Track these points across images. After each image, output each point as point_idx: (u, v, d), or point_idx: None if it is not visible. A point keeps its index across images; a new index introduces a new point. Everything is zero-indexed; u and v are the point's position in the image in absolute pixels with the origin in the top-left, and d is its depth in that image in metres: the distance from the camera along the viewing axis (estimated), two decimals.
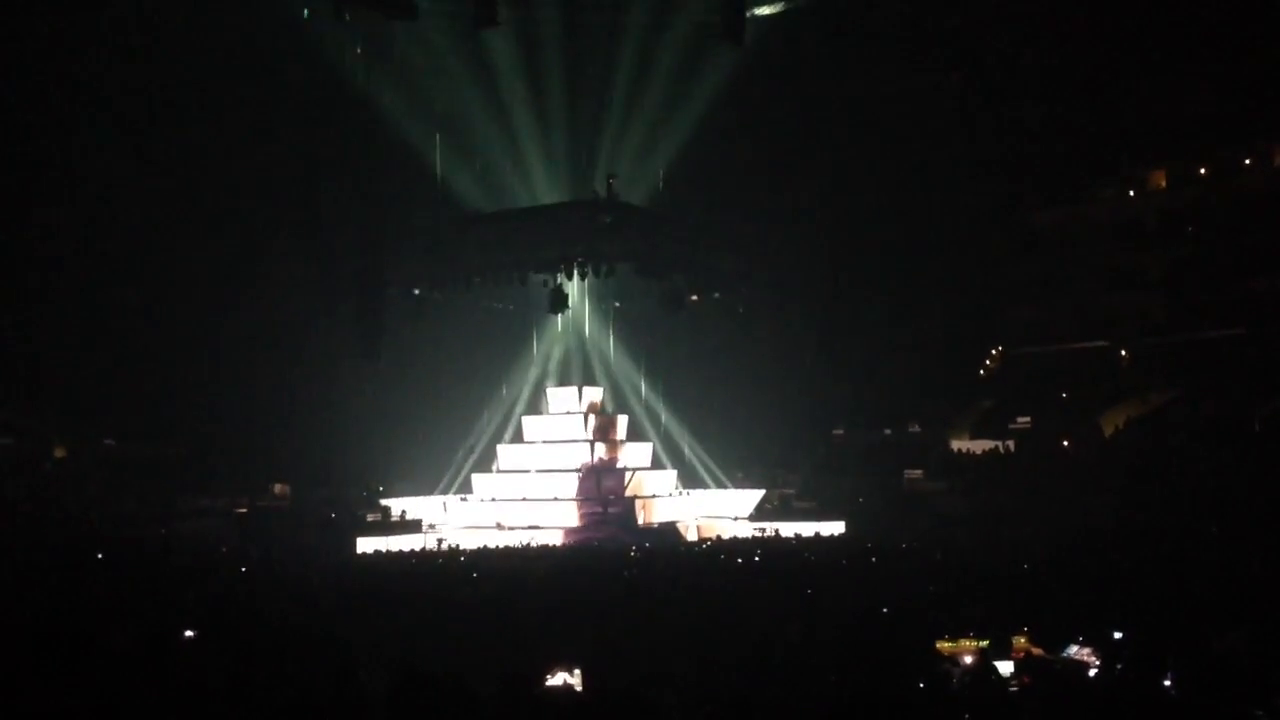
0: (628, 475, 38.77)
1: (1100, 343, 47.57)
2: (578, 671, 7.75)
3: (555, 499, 37.47)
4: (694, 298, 43.55)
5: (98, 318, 41.74)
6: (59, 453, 39.72)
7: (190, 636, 10.50)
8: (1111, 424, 41.35)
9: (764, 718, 6.19)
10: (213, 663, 8.02)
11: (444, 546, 30.04)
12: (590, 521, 35.35)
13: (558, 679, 7.79)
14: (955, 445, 44.29)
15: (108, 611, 13.57)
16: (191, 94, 40.99)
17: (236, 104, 41.68)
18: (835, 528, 33.86)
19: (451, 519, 37.76)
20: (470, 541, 31.17)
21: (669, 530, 35.67)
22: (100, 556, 20.46)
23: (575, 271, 39.03)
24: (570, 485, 38.13)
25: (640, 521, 36.27)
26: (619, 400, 44.47)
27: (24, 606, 13.87)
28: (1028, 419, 43.36)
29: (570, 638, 11.75)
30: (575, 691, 6.61)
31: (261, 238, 43.12)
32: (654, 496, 38.71)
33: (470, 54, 41.65)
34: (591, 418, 41.24)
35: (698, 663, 8.68)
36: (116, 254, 41.85)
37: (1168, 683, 7.92)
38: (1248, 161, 46.17)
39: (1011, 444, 42.00)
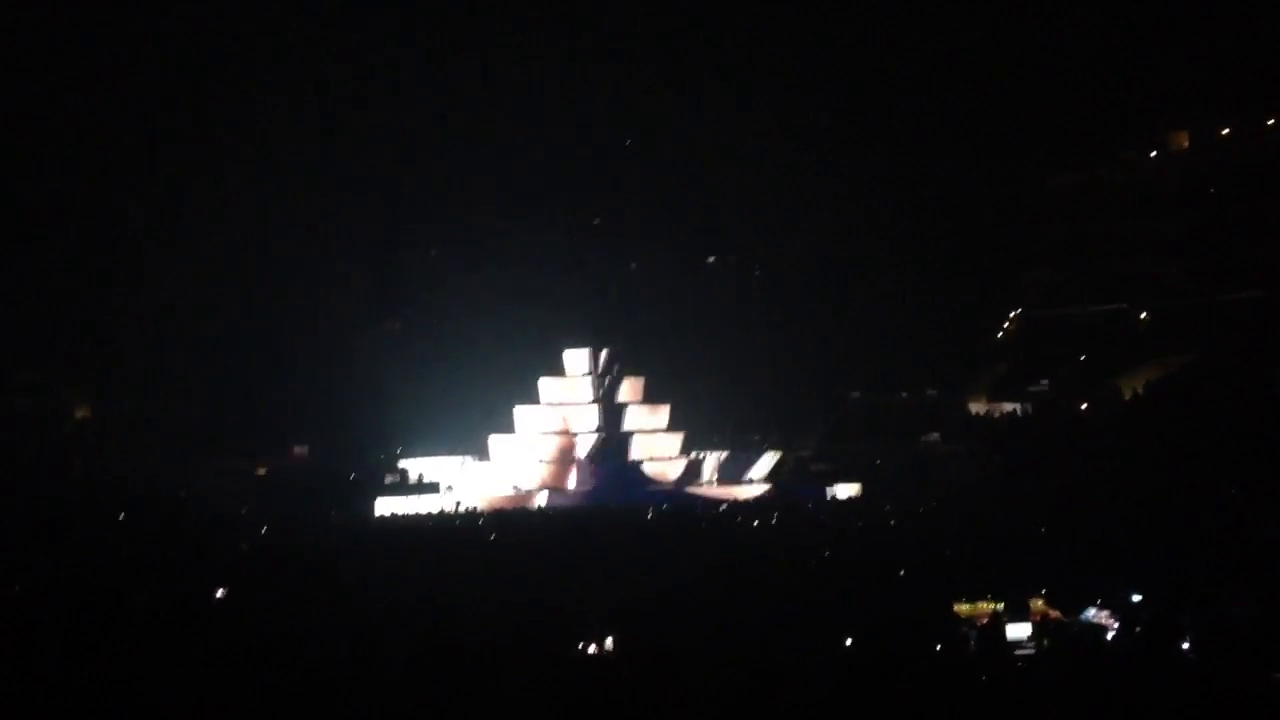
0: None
1: (1119, 306, 47.21)
2: (609, 641, 7.79)
3: (572, 460, 37.53)
4: (711, 260, 43.42)
5: (120, 281, 41.92)
6: (81, 413, 39.99)
7: (219, 596, 10.61)
8: (1130, 387, 41.10)
9: (783, 677, 6.22)
10: (237, 623, 8.11)
11: (462, 508, 30.18)
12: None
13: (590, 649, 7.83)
14: (973, 408, 44.11)
15: (132, 571, 13.70)
16: (209, 65, 40.97)
17: (252, 70, 41.61)
18: (851, 490, 33.85)
19: (469, 479, 37.87)
20: (487, 502, 31.33)
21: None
22: (123, 516, 20.63)
23: (593, 235, 38.91)
24: (585, 446, 38.19)
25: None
26: (637, 362, 44.37)
27: (49, 565, 14.01)
28: (1045, 382, 43.13)
29: (591, 599, 11.82)
30: (603, 652, 6.66)
31: (280, 202, 43.12)
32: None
33: (490, 11, 41.39)
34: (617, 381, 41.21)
35: (718, 623, 8.72)
36: (138, 219, 41.98)
37: (1186, 646, 7.93)
38: (1271, 122, 45.55)
39: (1029, 407, 41.82)
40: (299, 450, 39.12)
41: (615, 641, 7.73)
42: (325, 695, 6.10)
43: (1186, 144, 48.49)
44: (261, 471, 36.45)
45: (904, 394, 45.75)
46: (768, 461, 39.34)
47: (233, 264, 43.60)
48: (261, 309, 43.51)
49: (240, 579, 13.15)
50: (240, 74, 41.60)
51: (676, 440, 40.72)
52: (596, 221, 38.59)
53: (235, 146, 42.37)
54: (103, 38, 39.75)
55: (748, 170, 44.88)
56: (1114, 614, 9.85)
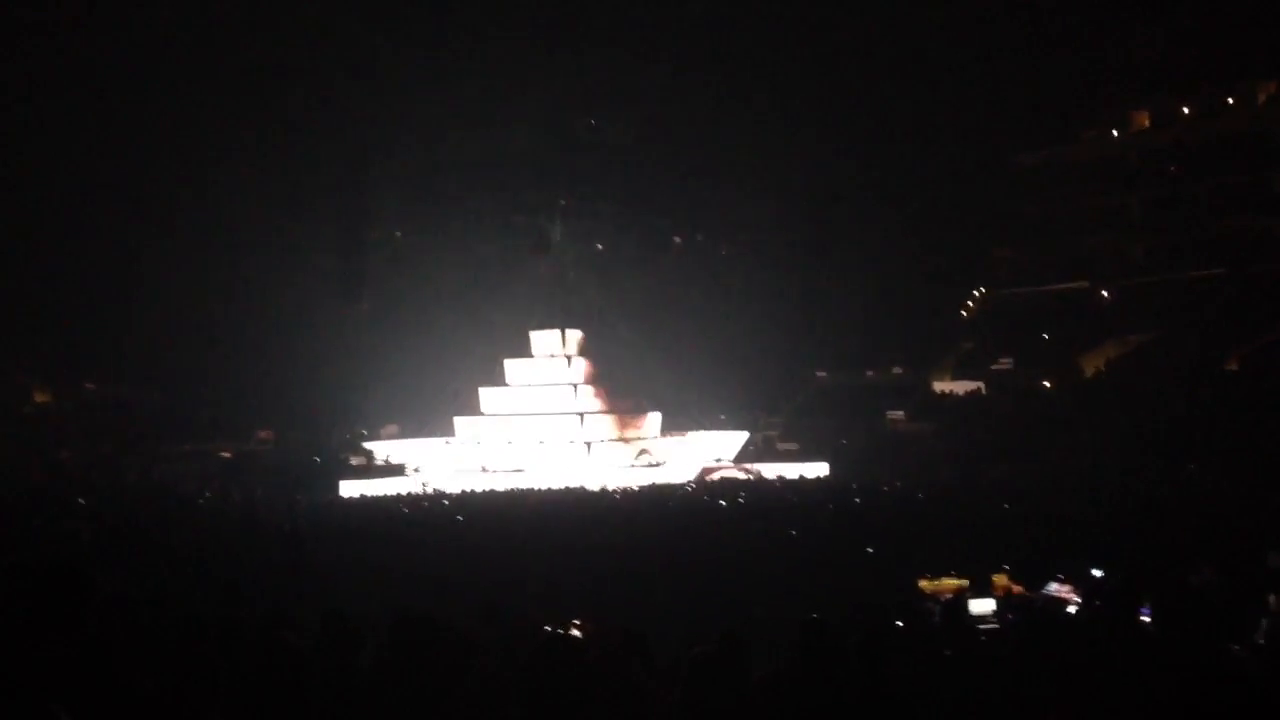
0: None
1: (1081, 284, 47.68)
2: (578, 620, 7.79)
3: (539, 441, 37.50)
4: (678, 239, 43.44)
5: (79, 262, 41.43)
6: (40, 397, 39.53)
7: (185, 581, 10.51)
8: (1092, 365, 41.58)
9: (749, 657, 6.25)
10: (203, 607, 8.04)
11: (428, 489, 30.10)
12: None
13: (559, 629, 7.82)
14: (937, 387, 44.49)
15: (95, 556, 13.57)
16: (165, 41, 40.46)
17: (213, 48, 41.14)
18: (818, 469, 34.02)
19: (435, 462, 37.79)
20: (454, 484, 31.25)
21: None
22: (82, 501, 20.42)
23: (558, 213, 38.81)
24: (552, 427, 38.14)
25: None
26: (602, 343, 44.40)
27: (9, 550, 13.84)
28: (1009, 360, 43.57)
29: (559, 579, 11.82)
30: (571, 635, 6.66)
31: (243, 181, 42.71)
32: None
33: None
34: (584, 362, 41.20)
35: (685, 603, 8.75)
36: (98, 200, 41.48)
37: (1146, 619, 8.03)
38: (1230, 101, 46.01)
39: (993, 385, 42.22)
40: (263, 433, 38.88)
41: (584, 621, 7.74)
42: (297, 677, 6.06)
43: (1147, 123, 48.95)
44: (226, 455, 36.22)
45: (870, 373, 46.05)
46: (735, 441, 39.47)
47: (195, 246, 43.21)
48: (224, 291, 43.15)
49: (205, 563, 13.06)
50: (200, 53, 41.06)
51: (647, 419, 40.78)
52: (562, 202, 38.43)
53: (196, 126, 41.91)
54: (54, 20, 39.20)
55: (714, 149, 44.86)
56: (1076, 588, 9.97)
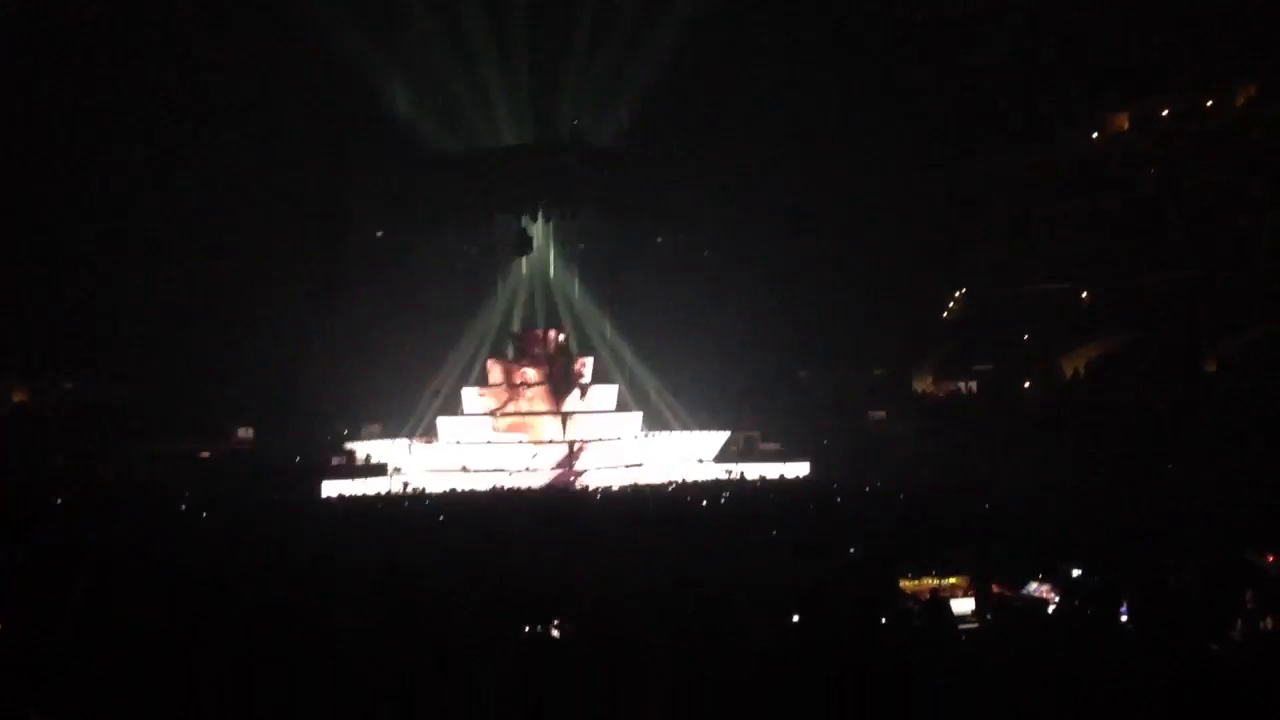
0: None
1: (1062, 285, 47.91)
2: (558, 622, 7.78)
3: (519, 442, 37.39)
4: (659, 240, 43.48)
5: (57, 260, 41.17)
6: (18, 397, 39.26)
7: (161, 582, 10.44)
8: (1071, 366, 41.78)
9: (732, 654, 6.26)
10: (179, 609, 7.99)
11: (409, 490, 30.00)
12: None
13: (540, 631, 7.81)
14: (918, 387, 44.59)
15: (71, 557, 13.48)
16: (149, 38, 40.28)
17: (194, 45, 40.94)
18: (800, 469, 34.04)
19: (416, 462, 37.63)
20: (435, 485, 31.14)
21: None
22: (59, 501, 20.30)
23: (539, 214, 38.76)
24: (535, 428, 38.04)
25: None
26: (584, 343, 44.34)
27: None
28: (989, 362, 43.74)
29: (541, 580, 11.80)
30: (553, 634, 6.66)
31: (224, 180, 42.52)
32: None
33: None
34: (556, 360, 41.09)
35: (667, 602, 8.75)
36: (76, 196, 41.22)
37: (1125, 619, 8.08)
38: (1209, 103, 46.33)
39: (974, 386, 42.37)
40: (243, 433, 38.68)
41: (565, 622, 7.73)
42: (283, 675, 6.04)
43: (1127, 125, 49.24)
44: (204, 455, 36.03)
45: (851, 373, 46.14)
46: (717, 441, 39.43)
47: (174, 244, 42.97)
48: (203, 289, 42.91)
49: (183, 563, 13.00)
50: (177, 47, 40.87)
51: (629, 419, 40.71)
52: (544, 201, 38.40)
53: (174, 123, 41.70)
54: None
55: (695, 149, 44.89)
56: (1055, 587, 10.02)
